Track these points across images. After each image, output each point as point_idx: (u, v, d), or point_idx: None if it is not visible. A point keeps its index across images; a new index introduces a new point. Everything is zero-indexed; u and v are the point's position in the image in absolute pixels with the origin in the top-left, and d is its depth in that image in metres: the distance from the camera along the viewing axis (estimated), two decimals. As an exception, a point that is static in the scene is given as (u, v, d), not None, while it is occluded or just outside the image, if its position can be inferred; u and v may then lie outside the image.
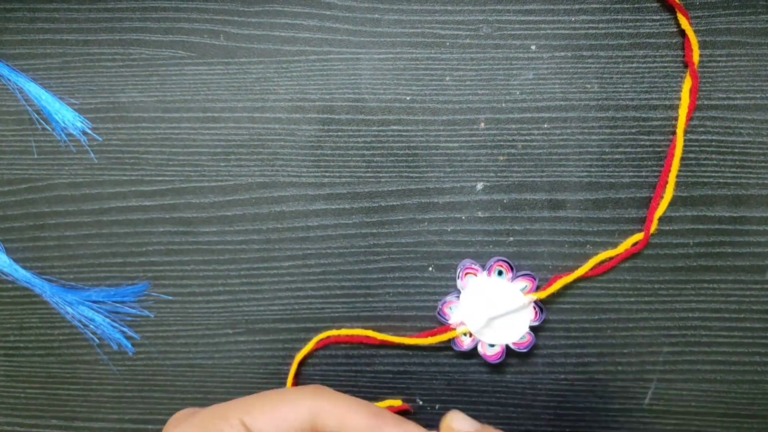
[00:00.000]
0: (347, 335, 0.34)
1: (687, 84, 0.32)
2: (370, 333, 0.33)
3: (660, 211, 0.32)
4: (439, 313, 0.33)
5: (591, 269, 0.33)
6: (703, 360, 0.33)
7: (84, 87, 0.35)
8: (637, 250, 0.32)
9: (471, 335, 0.33)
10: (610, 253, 0.33)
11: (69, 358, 0.36)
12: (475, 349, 0.33)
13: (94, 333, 0.35)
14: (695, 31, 0.33)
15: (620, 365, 0.33)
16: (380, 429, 0.25)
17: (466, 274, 0.33)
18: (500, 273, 0.33)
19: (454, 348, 0.33)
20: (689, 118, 0.32)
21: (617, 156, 0.33)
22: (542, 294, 0.32)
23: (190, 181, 0.35)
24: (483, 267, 0.33)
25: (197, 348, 0.35)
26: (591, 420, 0.34)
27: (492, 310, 0.32)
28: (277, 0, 0.34)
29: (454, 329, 0.33)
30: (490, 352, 0.33)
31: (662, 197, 0.32)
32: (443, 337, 0.33)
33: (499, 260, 0.33)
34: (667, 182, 0.32)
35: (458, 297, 0.33)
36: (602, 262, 0.33)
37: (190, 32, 0.35)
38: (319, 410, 0.25)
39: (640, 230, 0.33)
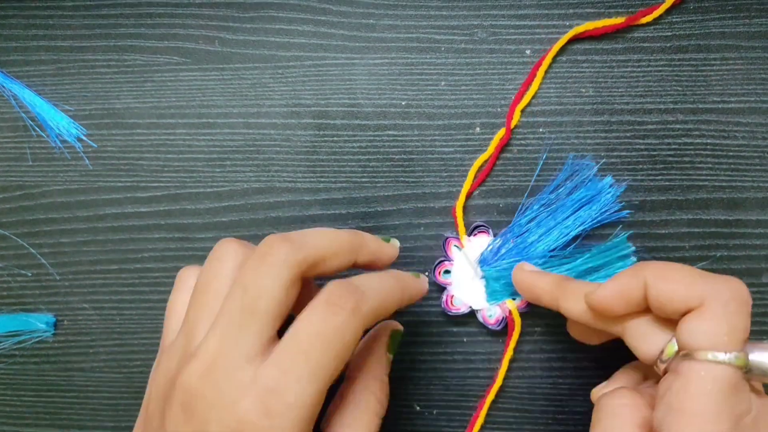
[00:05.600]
0: None
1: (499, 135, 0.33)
2: None
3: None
4: (444, 308, 0.33)
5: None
6: (700, 363, 0.33)
7: (79, 93, 0.35)
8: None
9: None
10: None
11: (64, 366, 0.36)
12: (504, 320, 0.33)
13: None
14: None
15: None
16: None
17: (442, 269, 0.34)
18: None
19: (492, 327, 0.33)
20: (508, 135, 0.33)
21: (613, 160, 0.33)
22: (459, 216, 0.33)
23: (185, 187, 0.35)
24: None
25: (193, 354, 0.35)
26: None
27: (469, 274, 0.33)
28: (272, 6, 0.35)
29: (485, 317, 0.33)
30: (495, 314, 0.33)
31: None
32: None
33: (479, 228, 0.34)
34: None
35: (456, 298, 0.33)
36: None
37: (185, 38, 0.35)
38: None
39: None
